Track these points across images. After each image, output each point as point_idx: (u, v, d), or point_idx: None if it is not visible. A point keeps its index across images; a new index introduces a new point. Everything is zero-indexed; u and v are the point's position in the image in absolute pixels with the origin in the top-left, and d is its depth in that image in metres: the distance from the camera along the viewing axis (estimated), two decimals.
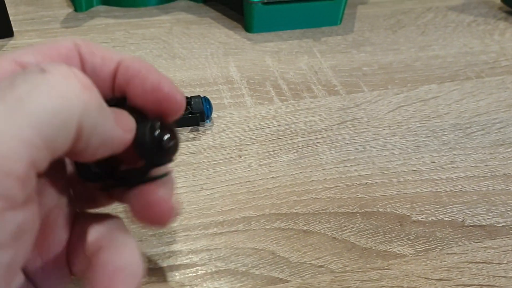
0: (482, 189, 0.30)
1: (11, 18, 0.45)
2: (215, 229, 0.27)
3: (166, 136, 0.18)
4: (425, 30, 0.48)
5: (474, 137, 0.34)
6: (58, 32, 0.45)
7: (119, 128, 0.16)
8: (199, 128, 0.34)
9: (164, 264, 0.25)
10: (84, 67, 0.18)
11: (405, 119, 0.36)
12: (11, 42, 0.44)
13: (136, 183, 0.18)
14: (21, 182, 0.12)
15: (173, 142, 0.18)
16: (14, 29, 0.45)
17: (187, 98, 0.35)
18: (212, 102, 0.35)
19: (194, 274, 0.24)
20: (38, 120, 0.13)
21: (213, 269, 0.25)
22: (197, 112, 0.34)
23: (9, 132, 0.12)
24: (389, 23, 0.49)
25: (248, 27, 0.46)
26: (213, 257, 0.25)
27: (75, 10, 0.49)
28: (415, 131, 0.35)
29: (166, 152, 0.18)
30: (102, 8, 0.50)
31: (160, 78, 0.18)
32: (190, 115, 0.34)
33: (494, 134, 0.35)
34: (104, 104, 0.16)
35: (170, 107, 0.18)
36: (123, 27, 0.47)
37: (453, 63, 0.43)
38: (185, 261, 0.25)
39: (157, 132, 0.17)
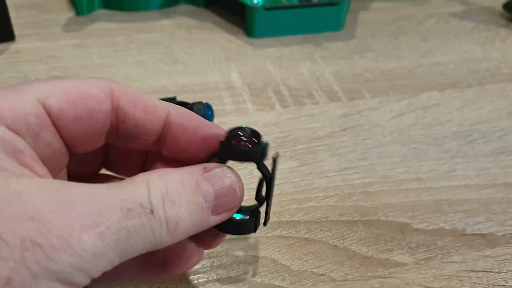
0: (482, 197, 0.30)
1: (12, 21, 0.45)
2: None
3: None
4: (427, 37, 0.48)
5: (475, 145, 0.34)
6: (59, 36, 0.45)
7: (215, 218, 0.18)
8: None
9: None
10: (118, 120, 0.18)
11: (406, 126, 0.36)
12: (12, 46, 0.44)
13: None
14: (89, 279, 0.14)
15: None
16: (15, 32, 0.45)
17: (188, 104, 0.35)
18: (214, 108, 0.35)
19: (195, 282, 0.24)
20: (128, 254, 0.15)
21: (215, 277, 0.25)
22: None
23: (108, 254, 0.14)
24: (391, 29, 0.49)
25: (249, 32, 0.47)
26: (215, 264, 0.25)
27: (77, 14, 0.49)
28: (416, 139, 0.35)
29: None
30: (104, 12, 0.50)
31: (209, 127, 0.20)
32: None
33: (495, 142, 0.35)
34: (200, 221, 0.17)
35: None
36: (125, 31, 0.47)
37: (454, 70, 0.43)
38: None
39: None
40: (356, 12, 0.52)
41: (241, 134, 0.20)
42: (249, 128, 0.20)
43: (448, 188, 0.31)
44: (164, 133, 0.19)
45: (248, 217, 0.21)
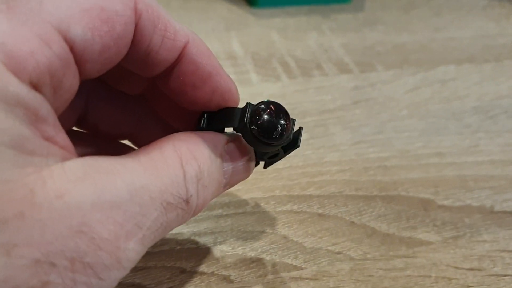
0: (509, 173, 0.28)
1: None
2: (220, 211, 0.24)
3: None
4: (439, 12, 0.46)
5: (497, 120, 0.32)
6: None
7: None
8: None
9: (165, 248, 0.22)
10: (136, 43, 0.14)
11: (423, 100, 0.33)
12: None
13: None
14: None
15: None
16: None
17: None
18: None
19: (197, 260, 0.22)
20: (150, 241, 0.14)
21: (219, 254, 0.22)
22: None
23: (142, 253, 0.14)
24: (401, 3, 0.47)
25: (252, 1, 0.44)
26: (218, 240, 0.22)
27: None
28: (434, 113, 0.32)
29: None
30: None
31: (224, 79, 0.17)
32: None
33: None
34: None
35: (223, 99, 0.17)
36: None
37: (470, 46, 0.40)
38: (187, 245, 0.22)
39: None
40: None
41: (270, 125, 0.16)
42: (279, 113, 0.17)
43: (472, 164, 0.28)
44: (170, 68, 0.16)
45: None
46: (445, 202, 0.25)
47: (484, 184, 0.27)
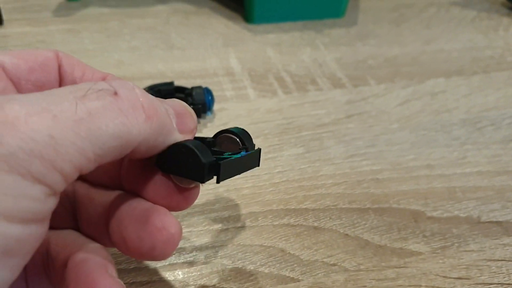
0: (496, 184, 0.29)
1: (0, 6, 0.43)
2: (220, 225, 0.25)
3: None
4: (429, 24, 0.47)
5: (485, 132, 0.33)
6: (49, 21, 0.43)
7: (180, 135, 0.17)
8: (201, 120, 0.33)
9: (167, 262, 0.23)
10: (62, 79, 0.19)
11: (414, 113, 0.34)
12: (0, 31, 0.42)
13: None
14: (64, 178, 0.13)
15: None
16: (3, 17, 0.43)
17: (187, 89, 0.33)
18: (214, 93, 0.34)
19: (198, 273, 0.23)
20: (99, 139, 0.13)
21: (219, 268, 0.23)
22: (199, 104, 0.32)
23: (70, 138, 0.12)
24: (393, 17, 0.48)
25: (248, 18, 0.45)
26: (219, 254, 0.24)
27: None
28: (424, 126, 0.33)
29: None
30: None
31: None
32: (191, 107, 0.32)
33: (504, 129, 0.34)
34: (167, 126, 0.16)
35: None
36: (118, 17, 0.45)
37: (458, 58, 0.42)
38: (189, 258, 0.23)
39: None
40: None
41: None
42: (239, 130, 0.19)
43: (460, 175, 0.29)
44: None
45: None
46: (434, 214, 0.27)
47: (471, 195, 0.28)
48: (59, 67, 0.18)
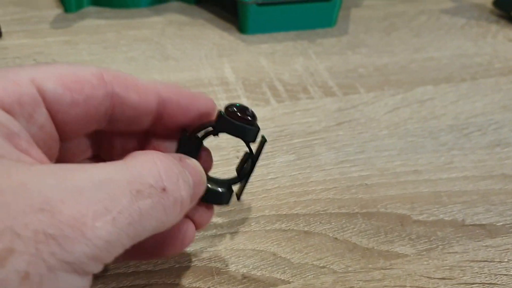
0: (481, 188, 0.30)
1: None
2: (214, 231, 0.26)
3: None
4: (419, 33, 0.48)
5: (471, 138, 0.34)
6: (47, 32, 0.45)
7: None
8: None
9: (165, 266, 0.24)
10: (116, 108, 0.18)
11: (402, 120, 0.36)
12: None
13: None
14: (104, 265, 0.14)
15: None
16: (2, 29, 0.44)
17: None
18: None
19: (194, 277, 0.24)
20: (140, 236, 0.15)
21: (214, 271, 0.24)
22: None
23: (121, 240, 0.14)
24: (383, 26, 0.49)
25: (242, 28, 0.46)
26: (213, 258, 0.25)
27: (65, 10, 0.48)
28: (412, 132, 0.35)
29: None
30: (93, 9, 0.49)
31: (189, 95, 0.20)
32: None
33: (490, 135, 0.35)
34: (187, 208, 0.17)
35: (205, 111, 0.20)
36: (115, 28, 0.46)
37: (447, 65, 0.43)
38: (185, 263, 0.24)
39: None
40: (348, 9, 0.52)
41: (241, 110, 0.20)
42: (247, 107, 0.21)
43: (446, 180, 0.30)
44: (160, 112, 0.19)
45: (225, 189, 0.22)
46: (420, 217, 0.28)
47: (457, 199, 0.29)
48: (112, 96, 0.17)
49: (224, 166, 0.30)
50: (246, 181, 0.23)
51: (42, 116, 0.16)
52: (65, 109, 0.16)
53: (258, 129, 0.21)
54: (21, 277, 0.12)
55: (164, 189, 0.15)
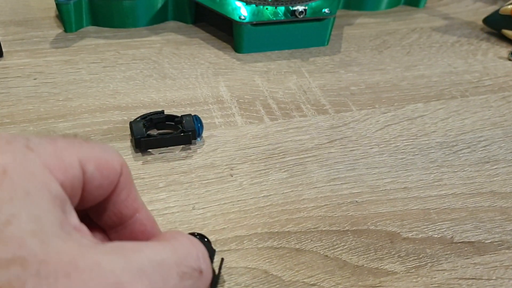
0: (469, 206, 0.31)
1: (0, 38, 0.45)
2: None
3: None
4: (410, 51, 0.49)
5: (461, 155, 0.35)
6: (47, 52, 0.46)
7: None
8: (191, 147, 0.34)
9: None
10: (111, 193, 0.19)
11: (393, 138, 0.36)
12: (0, 62, 0.44)
13: None
14: None
15: None
16: (3, 49, 0.45)
17: (177, 117, 0.35)
18: (203, 121, 0.36)
19: None
20: None
21: None
22: (189, 131, 0.34)
23: None
24: (375, 44, 0.50)
25: (237, 48, 0.47)
26: None
27: (65, 30, 0.49)
28: (403, 149, 0.35)
29: None
30: (92, 28, 0.50)
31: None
32: (182, 134, 0.34)
33: (479, 152, 0.35)
34: None
35: None
36: (114, 48, 0.47)
37: (438, 83, 0.44)
38: None
39: None
40: (341, 27, 0.53)
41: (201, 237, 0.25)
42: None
43: (435, 197, 0.31)
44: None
45: None
46: (409, 235, 0.28)
47: (446, 216, 0.30)
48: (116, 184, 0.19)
49: (218, 184, 0.31)
50: None
51: (78, 196, 0.17)
52: (93, 191, 0.17)
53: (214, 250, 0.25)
54: None
55: (201, 272, 0.17)
